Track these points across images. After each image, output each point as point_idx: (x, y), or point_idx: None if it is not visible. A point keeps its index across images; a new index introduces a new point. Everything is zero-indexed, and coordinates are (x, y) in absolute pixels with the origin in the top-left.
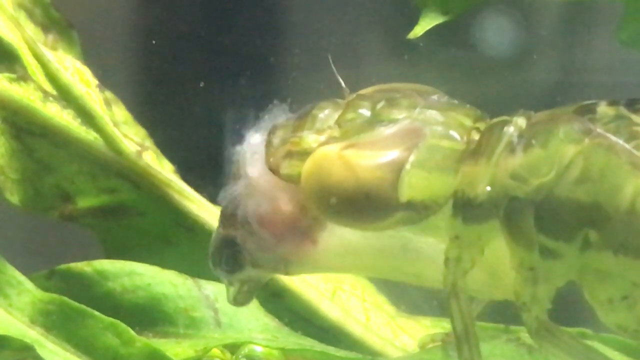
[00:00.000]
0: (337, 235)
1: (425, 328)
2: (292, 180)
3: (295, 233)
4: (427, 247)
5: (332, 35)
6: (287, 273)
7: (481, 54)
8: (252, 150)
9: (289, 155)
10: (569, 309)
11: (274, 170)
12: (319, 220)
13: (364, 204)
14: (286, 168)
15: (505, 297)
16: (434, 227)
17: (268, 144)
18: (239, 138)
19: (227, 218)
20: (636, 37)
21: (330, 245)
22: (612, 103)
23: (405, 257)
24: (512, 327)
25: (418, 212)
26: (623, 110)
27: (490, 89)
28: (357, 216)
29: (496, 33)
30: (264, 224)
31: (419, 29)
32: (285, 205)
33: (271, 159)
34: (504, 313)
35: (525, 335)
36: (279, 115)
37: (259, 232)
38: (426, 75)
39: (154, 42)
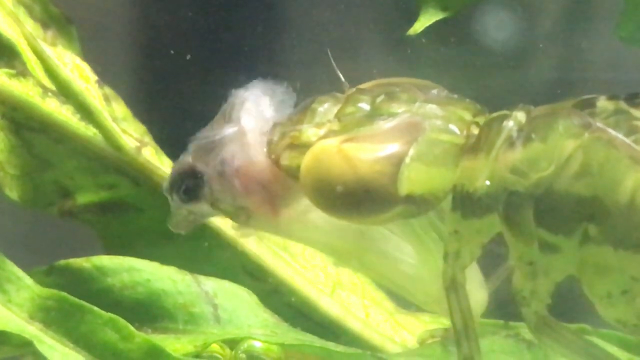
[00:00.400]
0: (301, 214)
1: (425, 324)
2: (292, 172)
3: (264, 195)
4: (386, 241)
5: (332, 31)
6: (245, 224)
7: (480, 50)
8: (252, 98)
9: (289, 147)
10: (567, 305)
11: (274, 162)
12: (289, 195)
13: (363, 198)
14: (286, 160)
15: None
16: (409, 227)
17: (269, 139)
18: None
19: (201, 151)
20: (636, 34)
21: (290, 220)
22: (612, 97)
23: (360, 245)
24: (512, 323)
25: (417, 206)
26: (622, 104)
27: (490, 85)
28: (356, 210)
29: (496, 29)
30: (239, 174)
31: (419, 25)
32: (266, 166)
33: (272, 152)
34: (504, 309)
35: (524, 331)
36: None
37: (231, 178)
38: (426, 71)
39: (153, 38)
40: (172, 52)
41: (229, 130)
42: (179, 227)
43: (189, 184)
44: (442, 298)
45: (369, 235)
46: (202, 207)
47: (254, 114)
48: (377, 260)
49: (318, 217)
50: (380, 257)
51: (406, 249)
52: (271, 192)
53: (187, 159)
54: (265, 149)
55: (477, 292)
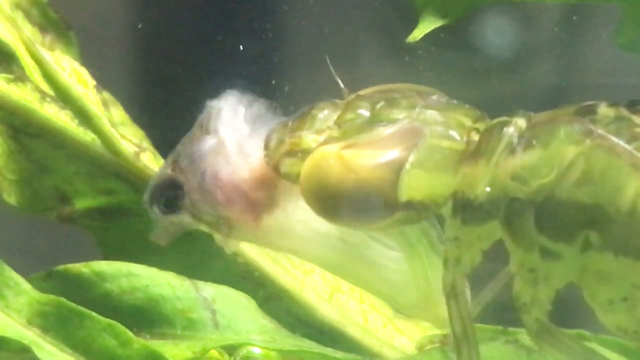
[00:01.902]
0: (283, 221)
1: (424, 330)
2: (291, 179)
3: (244, 204)
4: (367, 248)
5: (331, 37)
6: (227, 235)
7: (480, 56)
8: (227, 108)
9: (289, 154)
10: (567, 311)
11: (273, 168)
12: (270, 202)
13: (363, 204)
14: (286, 167)
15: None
16: (398, 233)
17: (266, 143)
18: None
19: (180, 163)
20: (635, 41)
21: (272, 227)
22: (613, 104)
23: (343, 251)
24: (511, 329)
25: (418, 212)
26: (624, 111)
27: (489, 92)
28: (356, 216)
29: (495, 35)
30: (219, 183)
31: (418, 32)
32: (245, 174)
33: (270, 158)
34: (503, 315)
35: (524, 337)
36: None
37: (210, 188)
38: (425, 77)
39: (151, 43)
40: (170, 57)
41: (208, 141)
42: (160, 239)
43: (169, 196)
44: (426, 305)
45: (350, 242)
46: (183, 218)
47: (231, 124)
48: (360, 267)
49: (299, 225)
50: (362, 264)
51: (389, 256)
52: (252, 200)
53: (166, 170)
54: (243, 157)
55: None
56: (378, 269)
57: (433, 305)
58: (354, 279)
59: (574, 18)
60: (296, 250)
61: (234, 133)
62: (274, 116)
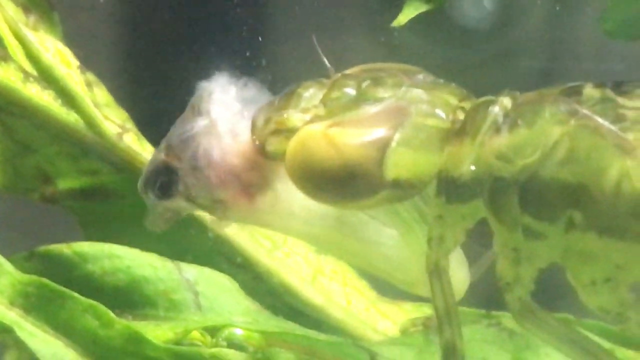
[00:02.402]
0: (277, 200)
1: (407, 313)
2: (278, 157)
3: (238, 184)
4: (364, 226)
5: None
6: (223, 217)
7: (464, 41)
8: (218, 89)
9: (275, 133)
10: (550, 295)
11: (259, 147)
12: (263, 182)
13: (348, 182)
14: (271, 145)
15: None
16: (394, 212)
17: (253, 123)
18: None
19: (173, 146)
20: (620, 27)
21: (267, 207)
22: (598, 86)
23: (339, 231)
24: (493, 313)
25: (403, 190)
26: (609, 92)
27: (474, 78)
28: (342, 194)
29: (479, 21)
30: (212, 165)
31: (403, 18)
32: (238, 155)
33: (256, 137)
34: (485, 298)
35: (506, 320)
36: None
37: (203, 171)
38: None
39: (136, 23)
40: (154, 37)
41: (200, 123)
42: (156, 225)
43: (163, 181)
44: (426, 280)
45: (347, 220)
46: (178, 203)
47: (222, 105)
48: (358, 246)
49: (296, 205)
50: (360, 242)
51: (386, 233)
52: (246, 180)
53: (160, 155)
54: (236, 139)
55: (459, 270)
56: (376, 247)
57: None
58: (352, 258)
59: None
60: (293, 230)
61: (226, 114)
62: (265, 97)
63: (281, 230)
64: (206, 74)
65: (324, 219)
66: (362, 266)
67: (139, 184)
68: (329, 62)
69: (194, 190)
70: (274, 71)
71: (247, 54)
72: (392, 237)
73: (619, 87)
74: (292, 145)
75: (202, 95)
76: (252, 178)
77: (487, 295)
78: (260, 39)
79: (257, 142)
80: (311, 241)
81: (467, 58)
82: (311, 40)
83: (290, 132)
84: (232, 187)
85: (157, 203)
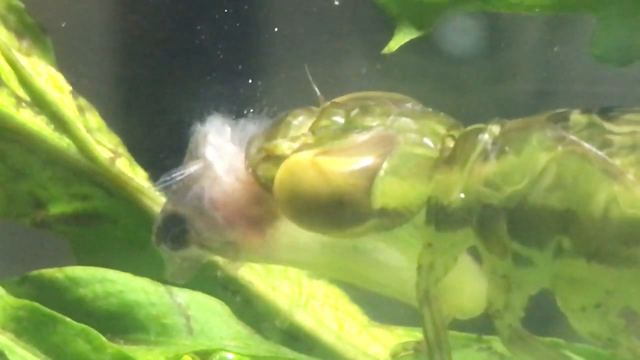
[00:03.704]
0: (287, 231)
1: (399, 337)
2: (268, 186)
3: (246, 222)
4: (379, 252)
5: (310, 43)
6: (235, 259)
7: (457, 64)
8: (212, 131)
9: (264, 160)
10: (540, 319)
11: (251, 176)
12: (270, 215)
13: (336, 211)
14: (262, 171)
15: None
16: (394, 238)
17: (246, 152)
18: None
19: (178, 195)
20: (609, 52)
21: (278, 240)
22: (585, 111)
23: (354, 259)
24: (484, 337)
25: (391, 219)
26: (596, 118)
27: (465, 101)
28: (329, 223)
29: (470, 44)
30: (217, 206)
31: (394, 44)
32: (240, 192)
33: (248, 165)
34: (476, 322)
35: (496, 344)
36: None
37: (210, 213)
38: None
39: (128, 48)
40: (147, 63)
41: (197, 166)
42: (177, 277)
43: (175, 231)
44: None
45: (361, 248)
46: (193, 250)
47: (217, 146)
48: (374, 272)
49: (306, 235)
50: (376, 268)
51: (396, 255)
52: (253, 216)
53: (167, 206)
54: (236, 177)
55: (477, 284)
56: (391, 271)
57: (449, 298)
58: (367, 284)
59: (553, 25)
60: (307, 263)
61: (222, 154)
62: (260, 130)
63: (295, 264)
64: (198, 99)
65: (337, 247)
66: (378, 290)
67: (152, 239)
68: (327, 90)
69: (204, 235)
70: (267, 99)
71: (240, 81)
72: (404, 259)
73: (606, 112)
74: (280, 172)
75: (198, 139)
76: (258, 212)
77: (478, 319)
78: (254, 63)
79: (249, 171)
80: (325, 271)
81: (460, 82)
82: (304, 68)
83: (279, 159)
84: (240, 224)
85: (173, 254)
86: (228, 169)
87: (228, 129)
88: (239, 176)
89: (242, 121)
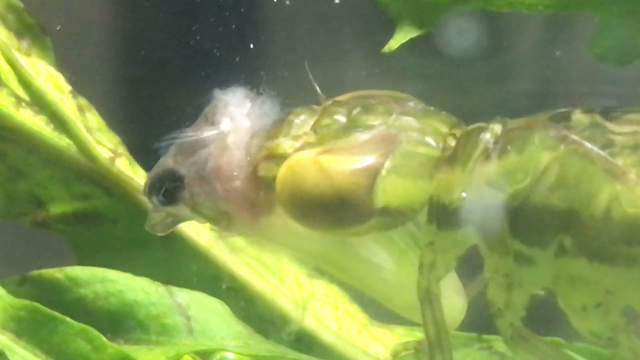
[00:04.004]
0: (281, 220)
1: (399, 337)
2: (270, 184)
3: (244, 200)
4: (364, 248)
5: (310, 42)
6: (226, 229)
7: (457, 65)
8: (233, 102)
9: (266, 159)
10: (541, 318)
11: (253, 174)
12: (268, 205)
13: (338, 210)
14: (263, 172)
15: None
16: (386, 238)
17: (250, 151)
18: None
19: (182, 154)
20: (609, 51)
21: (269, 226)
22: (587, 111)
23: (340, 250)
24: (485, 336)
25: (393, 218)
26: (598, 118)
27: (467, 100)
28: (331, 222)
29: (472, 43)
30: (219, 177)
31: (394, 43)
32: (245, 172)
33: (251, 164)
34: (477, 321)
35: (497, 344)
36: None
37: (210, 182)
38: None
39: (128, 48)
40: (146, 62)
41: (211, 132)
42: (155, 229)
43: (169, 187)
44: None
45: (349, 242)
46: (181, 210)
47: (236, 118)
48: (358, 267)
49: (297, 225)
50: (360, 263)
51: (384, 256)
52: (251, 199)
53: (168, 161)
54: (246, 155)
55: (456, 299)
56: (375, 269)
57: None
58: (351, 279)
59: (553, 24)
60: (294, 248)
61: (238, 128)
62: (278, 115)
63: (281, 247)
64: (198, 98)
65: (326, 238)
66: (359, 287)
67: (144, 187)
68: (327, 89)
69: (199, 200)
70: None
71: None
72: (389, 260)
73: (608, 112)
74: (282, 171)
75: (217, 105)
76: (258, 198)
77: (479, 318)
78: (254, 63)
79: (251, 169)
80: (310, 260)
81: (460, 82)
82: (304, 67)
83: (281, 158)
84: (238, 201)
85: (160, 208)
86: (241, 144)
87: (249, 104)
88: (250, 155)
89: (263, 100)
